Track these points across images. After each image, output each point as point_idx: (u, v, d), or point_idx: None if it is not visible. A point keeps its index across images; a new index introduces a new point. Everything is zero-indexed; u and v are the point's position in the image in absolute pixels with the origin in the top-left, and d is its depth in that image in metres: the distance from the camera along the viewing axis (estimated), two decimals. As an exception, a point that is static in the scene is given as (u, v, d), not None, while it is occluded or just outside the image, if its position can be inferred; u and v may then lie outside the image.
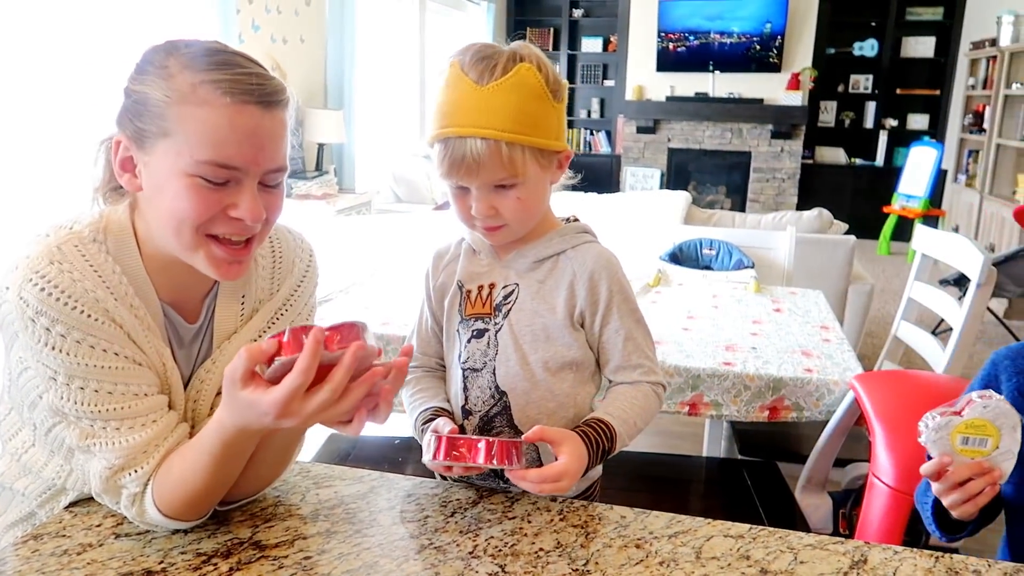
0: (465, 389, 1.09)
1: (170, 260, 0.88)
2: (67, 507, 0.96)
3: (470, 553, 0.89)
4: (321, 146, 4.45)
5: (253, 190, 0.83)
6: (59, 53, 2.51)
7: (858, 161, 7.40)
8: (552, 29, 8.02)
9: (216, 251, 0.85)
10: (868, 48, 7.30)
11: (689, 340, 2.14)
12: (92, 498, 0.94)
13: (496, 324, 1.07)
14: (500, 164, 0.94)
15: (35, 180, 2.39)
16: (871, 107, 7.38)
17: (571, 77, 8.05)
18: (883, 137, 7.29)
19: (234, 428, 0.81)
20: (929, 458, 0.98)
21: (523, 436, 0.94)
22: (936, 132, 7.17)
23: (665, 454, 2.57)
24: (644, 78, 7.38)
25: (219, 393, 0.95)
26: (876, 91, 7.33)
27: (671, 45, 7.18)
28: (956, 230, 5.98)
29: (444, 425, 1.03)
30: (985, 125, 5.85)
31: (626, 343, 1.07)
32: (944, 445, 0.96)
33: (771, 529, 0.96)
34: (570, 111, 8.09)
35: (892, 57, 7.24)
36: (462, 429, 1.09)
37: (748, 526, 0.96)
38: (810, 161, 7.37)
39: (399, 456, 1.76)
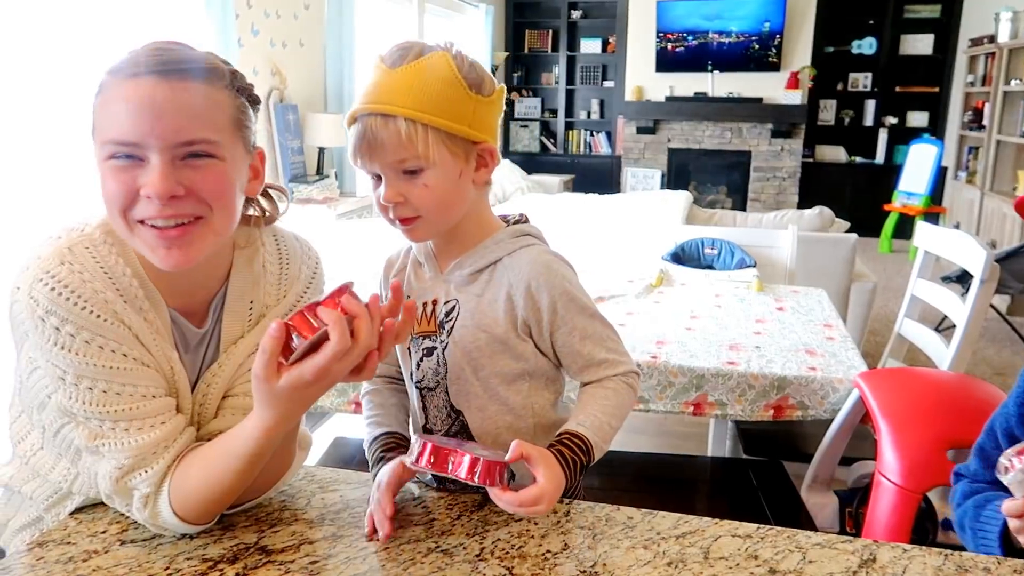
0: (424, 408, 1.06)
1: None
2: (72, 513, 0.96)
3: (477, 556, 0.89)
4: (322, 150, 4.45)
5: (159, 165, 0.79)
6: (65, 57, 2.52)
7: (858, 159, 7.40)
8: (551, 31, 8.02)
9: (147, 235, 0.82)
10: (867, 46, 7.30)
11: (692, 340, 2.14)
12: (98, 504, 0.94)
13: (442, 342, 1.02)
14: (399, 141, 0.89)
15: (45, 181, 2.40)
16: (871, 105, 7.38)
17: (571, 78, 8.05)
18: (883, 135, 7.29)
19: (275, 422, 0.82)
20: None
21: (507, 457, 0.89)
22: (936, 129, 7.17)
23: (669, 454, 2.56)
24: (643, 79, 7.38)
25: (226, 397, 0.95)
26: (875, 89, 7.33)
27: (670, 45, 7.18)
28: (957, 227, 5.98)
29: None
30: (985, 122, 5.85)
31: (583, 343, 1.02)
32: None
33: (779, 528, 0.95)
34: (570, 112, 8.10)
35: (891, 55, 7.25)
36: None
37: (756, 526, 0.95)
38: (810, 160, 7.37)
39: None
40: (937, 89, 7.19)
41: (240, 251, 0.96)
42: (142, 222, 0.82)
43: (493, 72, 7.50)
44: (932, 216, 6.33)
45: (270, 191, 1.01)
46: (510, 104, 8.24)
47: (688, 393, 1.96)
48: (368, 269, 1.26)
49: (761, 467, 1.99)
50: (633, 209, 3.73)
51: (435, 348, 1.03)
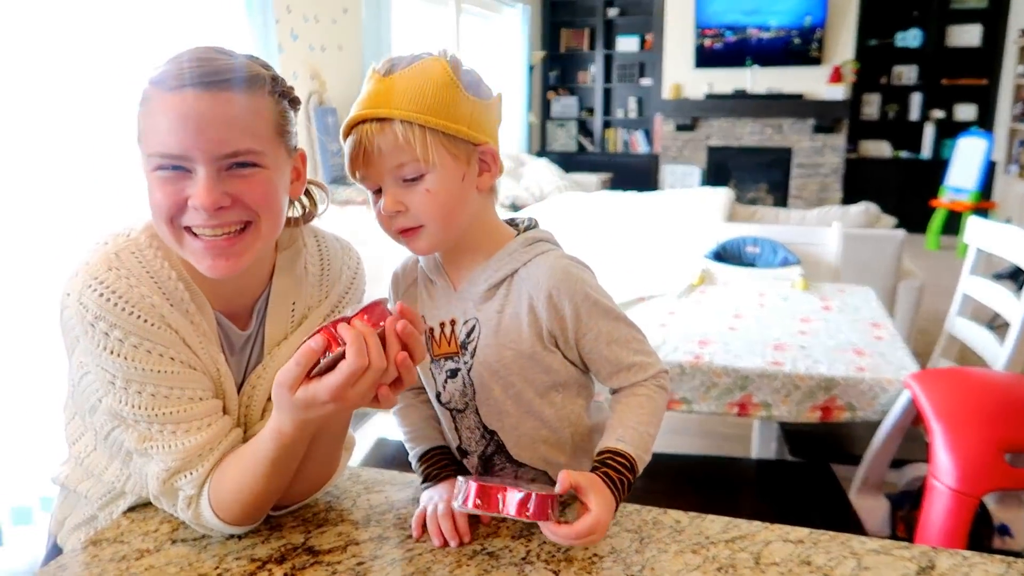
0: (456, 429, 1.04)
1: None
2: (125, 512, 0.97)
3: (523, 559, 0.88)
4: (360, 152, 4.49)
5: (205, 177, 0.80)
6: (107, 62, 2.58)
7: (903, 154, 7.23)
8: (588, 29, 7.99)
9: (195, 245, 0.84)
10: (912, 38, 7.12)
11: (736, 340, 2.10)
12: (149, 504, 0.96)
13: (466, 363, 0.99)
14: (396, 144, 0.87)
15: (88, 184, 2.46)
16: (916, 98, 7.20)
17: (607, 77, 8.01)
18: (929, 129, 7.11)
19: (292, 429, 0.81)
20: None
21: (556, 489, 0.86)
22: (985, 122, 6.96)
23: (713, 456, 2.53)
24: (681, 76, 7.30)
25: (270, 398, 0.96)
26: (921, 82, 7.14)
27: (708, 41, 7.09)
28: (1009, 223, 5.80)
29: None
30: (1038, 113, 5.66)
31: (611, 347, 0.98)
32: None
33: (832, 533, 0.93)
34: (607, 111, 8.05)
35: (937, 47, 7.05)
36: (461, 467, 1.06)
37: (808, 530, 0.93)
38: (854, 155, 7.22)
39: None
40: (986, 81, 6.99)
41: (283, 253, 0.97)
42: (189, 230, 0.84)
43: (530, 72, 7.50)
44: (982, 212, 6.15)
45: (310, 188, 1.01)
46: (547, 104, 8.23)
47: (732, 394, 1.93)
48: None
49: (808, 470, 1.95)
50: (673, 207, 3.69)
51: (459, 369, 0.99)
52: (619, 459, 0.92)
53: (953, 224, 6.30)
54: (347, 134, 0.91)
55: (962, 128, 6.80)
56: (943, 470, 1.51)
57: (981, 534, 1.60)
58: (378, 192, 0.92)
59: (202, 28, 3.08)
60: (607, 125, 8.13)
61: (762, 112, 7.06)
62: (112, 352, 0.83)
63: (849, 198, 6.86)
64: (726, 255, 3.07)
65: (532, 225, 1.02)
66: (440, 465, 1.03)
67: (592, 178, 6.91)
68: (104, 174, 2.44)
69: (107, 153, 2.46)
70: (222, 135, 0.80)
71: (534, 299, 0.95)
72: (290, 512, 0.97)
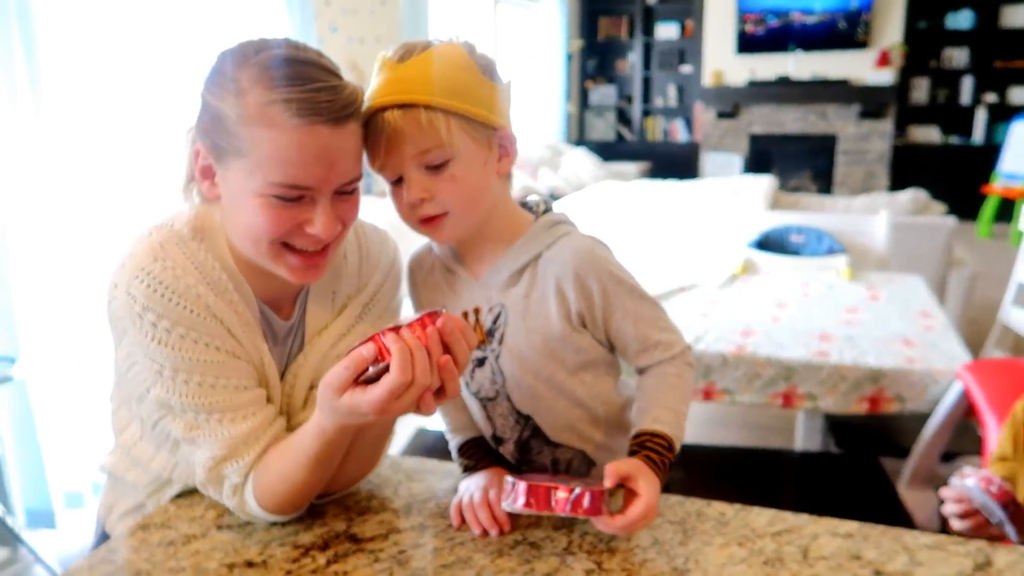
0: (488, 418, 1.02)
1: (257, 261, 0.90)
2: (173, 499, 0.99)
3: (565, 549, 0.87)
4: (399, 144, 4.51)
5: (327, 206, 0.83)
6: (145, 51, 2.61)
7: (954, 139, 7.01)
8: (626, 17, 7.90)
9: (292, 260, 0.86)
10: (963, 20, 6.88)
11: (780, 330, 2.07)
12: (195, 490, 0.97)
13: (494, 351, 0.98)
14: (420, 130, 0.85)
15: (128, 173, 2.50)
16: (967, 82, 6.97)
17: (647, 64, 7.91)
18: (981, 113, 6.88)
19: (334, 429, 0.82)
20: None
21: (606, 483, 0.85)
22: (1041, 105, 6.71)
23: (756, 448, 2.49)
24: (722, 62, 7.18)
25: (312, 387, 0.97)
26: (973, 65, 6.91)
27: (750, 26, 6.96)
28: (1066, 209, 5.59)
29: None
30: (1098, 95, 5.44)
31: (637, 326, 0.97)
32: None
33: (883, 528, 0.90)
34: (646, 99, 7.96)
35: (989, 28, 6.81)
36: (499, 452, 1.05)
37: (858, 524, 0.91)
38: (901, 142, 7.03)
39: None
40: (1043, 62, 6.73)
41: None
42: (288, 246, 0.85)
43: (567, 61, 7.46)
44: (1037, 198, 5.94)
45: None
46: (584, 93, 8.17)
47: (776, 385, 1.90)
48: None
49: (854, 462, 1.91)
50: (714, 196, 3.63)
51: (486, 358, 0.99)
52: (658, 440, 0.93)
53: (1006, 212, 6.09)
54: (365, 123, 0.88)
55: (1016, 112, 6.55)
56: (998, 464, 1.46)
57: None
58: (397, 182, 0.90)
59: (243, 22, 3.12)
60: (646, 114, 8.04)
61: (806, 98, 6.91)
62: (160, 342, 0.84)
63: (896, 185, 6.68)
64: (769, 244, 3.01)
65: (548, 208, 1.02)
66: (478, 456, 1.03)
67: (631, 167, 6.85)
68: (145, 165, 2.49)
69: (150, 144, 2.51)
70: (346, 167, 0.83)
71: (561, 281, 0.95)
72: (333, 500, 0.98)
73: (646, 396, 0.98)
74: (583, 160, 6.18)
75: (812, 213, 3.29)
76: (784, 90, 6.94)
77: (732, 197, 3.51)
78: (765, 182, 3.61)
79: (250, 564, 0.85)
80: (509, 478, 0.86)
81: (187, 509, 0.97)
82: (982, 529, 1.12)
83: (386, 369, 0.74)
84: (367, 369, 0.76)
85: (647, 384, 1.00)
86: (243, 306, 0.90)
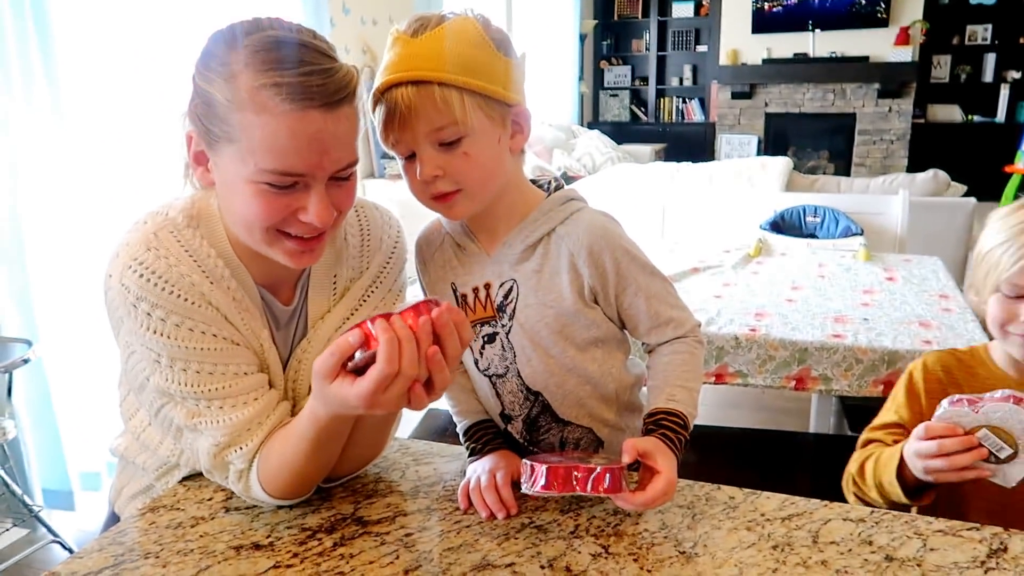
0: (497, 395, 1.02)
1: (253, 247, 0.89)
2: (181, 481, 0.99)
3: (572, 533, 0.87)
4: (411, 126, 4.49)
5: (321, 192, 0.81)
6: (158, 35, 2.60)
7: (976, 118, 6.89)
8: (641, -4, 7.80)
9: (288, 245, 0.84)
10: (986, -5, 6.74)
11: (794, 312, 2.04)
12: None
13: (504, 326, 0.98)
14: (435, 107, 0.84)
15: (140, 160, 2.51)
16: (990, 59, 6.83)
17: (662, 44, 7.82)
18: (1004, 91, 6.74)
19: (327, 417, 0.81)
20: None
21: (624, 460, 0.86)
22: (1066, 82, 6.58)
23: (769, 430, 2.47)
24: (739, 41, 7.08)
25: None
26: (996, 41, 6.77)
27: (767, 4, 6.85)
28: (1090, 189, 5.49)
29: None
30: (1125, 72, 5.31)
31: (649, 303, 0.98)
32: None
33: (896, 513, 0.89)
34: (661, 79, 7.88)
35: (1013, 3, 6.66)
36: (506, 435, 1.04)
37: (870, 509, 0.90)
38: (922, 120, 6.92)
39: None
40: (1067, 38, 6.59)
41: None
42: (283, 232, 0.84)
43: (581, 41, 7.38)
44: (1060, 177, 5.83)
45: None
46: (599, 73, 8.10)
47: (790, 367, 1.88)
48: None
49: (869, 445, 1.89)
50: (729, 177, 3.59)
51: (496, 333, 0.99)
52: (673, 418, 0.93)
53: (1029, 191, 5.99)
54: (377, 100, 0.88)
55: (1040, 89, 6.43)
56: (1015, 448, 1.44)
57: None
58: (410, 158, 0.90)
59: (254, 3, 3.10)
60: (661, 94, 7.96)
61: (824, 77, 6.80)
62: (155, 332, 0.84)
63: (916, 165, 6.58)
64: (784, 225, 2.98)
65: (560, 185, 1.01)
66: (485, 439, 1.02)
67: (645, 149, 6.79)
68: (156, 152, 2.48)
69: (161, 131, 2.50)
70: (341, 153, 0.81)
71: (575, 255, 0.95)
72: (340, 483, 0.98)
73: (659, 374, 0.99)
74: (597, 142, 6.13)
75: (828, 194, 3.25)
76: (801, 69, 6.84)
77: (747, 178, 3.47)
78: (780, 163, 3.57)
79: (257, 546, 0.85)
80: (527, 461, 0.86)
81: (196, 491, 0.97)
82: (967, 471, 0.94)
83: (373, 358, 0.72)
84: (354, 356, 0.74)
85: (659, 362, 1.00)
86: (241, 292, 0.90)
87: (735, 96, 7.17)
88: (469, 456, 1.02)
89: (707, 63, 7.58)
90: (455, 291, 1.01)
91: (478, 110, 0.86)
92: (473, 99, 0.86)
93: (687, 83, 7.82)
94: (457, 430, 1.06)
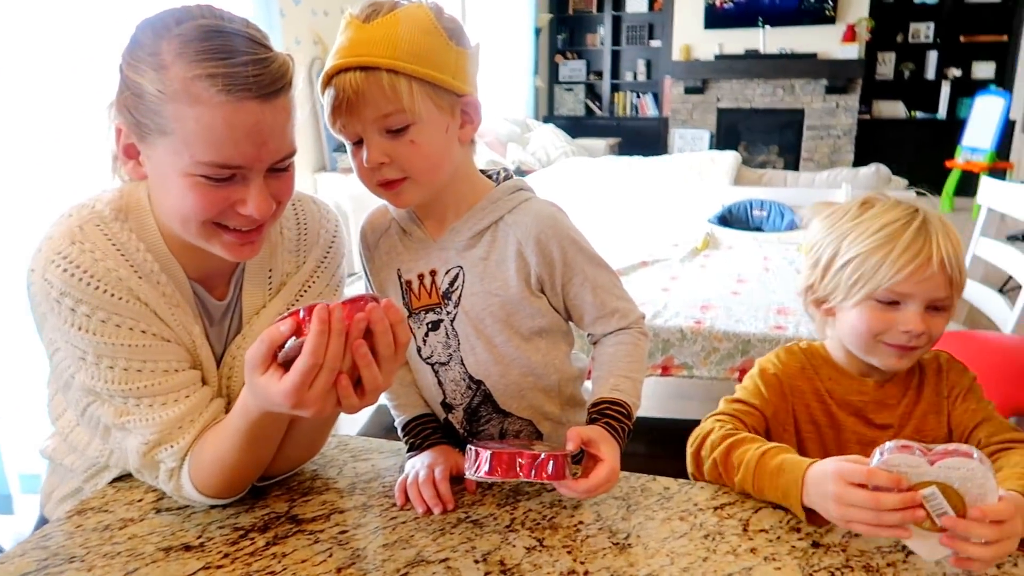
0: (439, 384, 1.02)
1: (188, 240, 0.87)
2: (111, 482, 0.97)
3: (507, 527, 0.87)
4: (364, 119, 4.44)
5: (259, 184, 0.80)
6: (79, 22, 2.51)
7: (919, 114, 7.08)
8: (595, -10, 7.83)
9: (227, 238, 0.83)
10: (929, -6, 6.93)
11: (738, 304, 2.08)
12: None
13: (449, 313, 0.98)
14: (383, 94, 0.84)
15: (48, 153, 2.42)
16: (932, 57, 7.02)
17: (616, 39, 7.87)
18: (945, 88, 6.94)
19: (257, 411, 0.80)
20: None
21: (568, 447, 0.87)
22: (1003, 80, 6.79)
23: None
24: (691, 36, 7.15)
25: None
26: (938, 40, 6.97)
27: (718, 1, 6.93)
28: (1025, 183, 5.69)
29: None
30: (1057, 70, 5.51)
31: (595, 293, 0.99)
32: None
33: (823, 500, 0.91)
34: (616, 74, 7.93)
35: (955, 2, 6.86)
36: (446, 425, 1.05)
37: (799, 497, 0.91)
38: (867, 116, 7.08)
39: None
40: (1006, 37, 6.79)
41: None
42: (220, 225, 0.82)
43: (536, 35, 7.38)
44: (998, 172, 6.03)
45: None
46: (554, 67, 8.11)
47: (733, 358, 1.91)
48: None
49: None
50: (679, 171, 3.64)
51: (441, 321, 0.99)
52: (617, 408, 0.95)
53: (969, 185, 6.18)
54: (326, 84, 0.88)
55: (980, 86, 6.63)
56: (946, 434, 1.48)
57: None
58: (359, 143, 0.89)
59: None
60: (616, 89, 8.01)
61: (773, 73, 6.91)
62: (80, 328, 0.81)
63: (862, 160, 6.73)
64: (732, 219, 3.03)
65: (509, 176, 1.02)
66: (424, 434, 1.02)
67: (600, 143, 6.83)
68: (70, 144, 2.40)
69: (75, 122, 2.41)
70: (278, 144, 0.80)
71: (522, 244, 0.96)
72: (275, 482, 0.97)
73: (604, 364, 1.00)
74: (551, 136, 6.14)
75: (775, 188, 3.31)
76: (752, 65, 6.95)
77: (696, 172, 3.52)
78: (729, 157, 3.62)
79: (187, 547, 0.84)
80: (471, 446, 0.86)
81: (125, 492, 0.95)
82: (886, 530, 0.77)
83: (302, 348, 0.71)
84: (284, 345, 0.73)
85: (604, 353, 1.02)
86: (171, 287, 0.88)
87: (688, 91, 7.25)
88: (408, 452, 1.02)
89: (660, 58, 7.64)
90: (400, 277, 1.01)
91: (426, 98, 0.86)
92: (422, 87, 0.86)
93: (641, 78, 7.88)
94: (396, 425, 1.06)
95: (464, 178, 0.97)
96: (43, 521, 1.05)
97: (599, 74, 8.02)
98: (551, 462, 0.83)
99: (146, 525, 0.88)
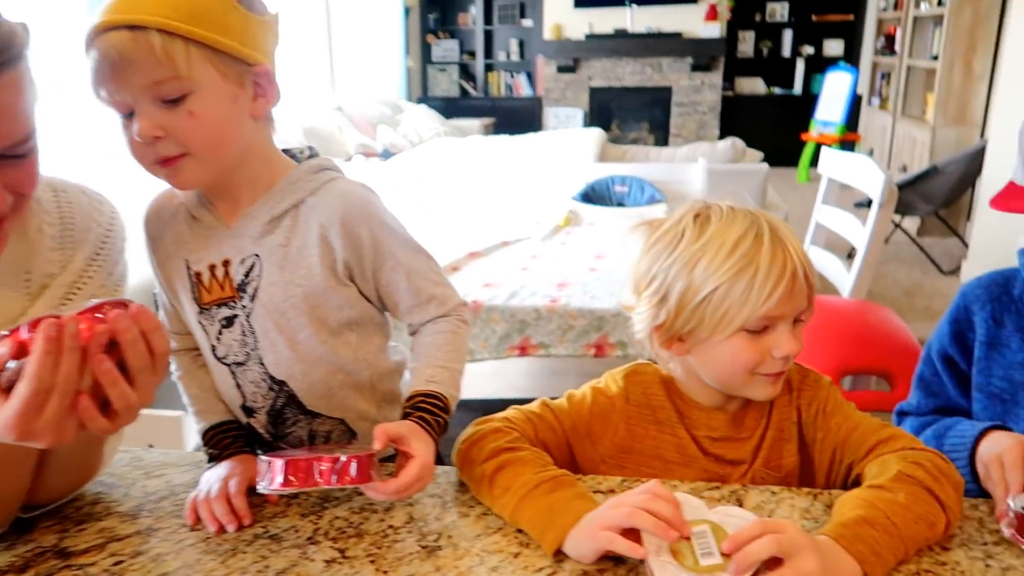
0: (238, 386, 0.93)
1: None
2: None
3: (309, 539, 0.79)
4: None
5: (140, 112, 0.73)
6: None
7: (777, 90, 7.41)
8: (464, -32, 7.72)
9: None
10: (783, -26, 7.23)
11: (595, 281, 2.07)
12: None
13: (245, 307, 0.89)
14: (154, 58, 0.74)
15: None
16: (788, 35, 7.36)
17: (488, 18, 7.80)
18: (800, 65, 7.30)
19: None
20: None
21: (375, 446, 0.79)
22: (851, 57, 7.20)
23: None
24: (561, 16, 7.19)
25: None
26: (792, 19, 7.30)
27: (586, -21, 6.99)
28: (871, 154, 6.06)
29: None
30: (896, 47, 5.88)
31: (410, 279, 0.92)
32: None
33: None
34: (489, 54, 7.87)
35: (807, -18, 7.21)
36: (250, 430, 0.96)
37: (619, 479, 0.89)
38: (730, 93, 7.35)
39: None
40: (852, 16, 7.20)
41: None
42: None
43: (406, 14, 7.21)
44: (848, 144, 6.40)
45: None
46: (426, 48, 7.97)
47: (588, 335, 1.90)
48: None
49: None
50: (545, 149, 3.62)
51: (236, 316, 0.90)
52: (432, 401, 0.88)
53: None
54: (90, 43, 0.76)
55: (830, 63, 7.00)
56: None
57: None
58: (129, 116, 0.78)
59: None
60: (489, 68, 7.96)
61: (642, 51, 7.06)
62: None
63: (726, 135, 7.00)
64: (595, 195, 3.04)
65: (314, 154, 0.93)
66: (224, 443, 0.93)
67: (474, 123, 6.76)
68: None
69: None
70: (7, 126, 0.67)
71: (326, 228, 0.88)
72: (45, 512, 0.85)
73: (421, 356, 0.93)
74: (424, 117, 6.02)
75: (638, 164, 3.35)
76: (621, 43, 7.06)
77: (562, 150, 3.51)
78: (594, 134, 3.64)
79: (-77, 599, 0.72)
80: (263, 456, 0.77)
81: None
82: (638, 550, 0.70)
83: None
84: (5, 367, 0.62)
85: (421, 343, 0.95)
86: None
87: (560, 70, 7.30)
88: (208, 463, 0.92)
89: (533, 37, 7.65)
90: (188, 269, 0.90)
91: (207, 64, 0.77)
92: (201, 51, 0.76)
93: (514, 57, 7.86)
94: (197, 432, 0.96)
95: (259, 157, 0.88)
96: None
97: (472, 54, 7.94)
98: (354, 464, 0.76)
99: None
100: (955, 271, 3.99)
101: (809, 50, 7.32)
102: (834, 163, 2.37)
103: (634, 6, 6.96)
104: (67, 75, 1.81)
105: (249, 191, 0.89)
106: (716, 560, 0.68)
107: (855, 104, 6.54)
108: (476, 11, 7.79)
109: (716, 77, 7.04)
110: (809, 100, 7.02)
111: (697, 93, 7.10)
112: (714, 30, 6.84)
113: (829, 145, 6.26)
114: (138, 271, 0.94)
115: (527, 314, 1.90)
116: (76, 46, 0.79)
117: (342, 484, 0.76)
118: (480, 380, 2.66)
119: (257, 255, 0.88)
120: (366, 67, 6.46)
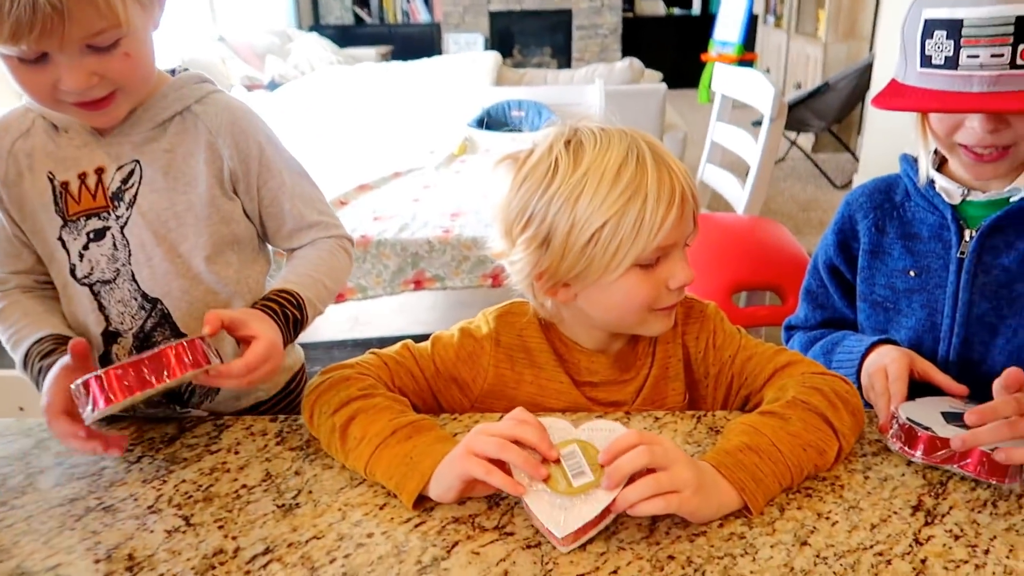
0: (101, 308, 0.85)
1: None
2: None
3: (149, 508, 0.71)
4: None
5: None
6: None
7: (676, 11, 7.36)
8: None
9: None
10: None
11: (490, 209, 2.00)
12: None
13: (119, 218, 0.83)
14: (95, 10, 0.69)
15: None
16: (684, -46, 7.28)
17: (378, -62, 7.38)
18: (698, -15, 7.25)
19: None
20: None
21: (205, 331, 0.73)
22: (747, -25, 7.19)
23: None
24: (455, -66, 6.87)
25: None
26: (689, -64, 7.21)
27: None
28: (767, 72, 6.13)
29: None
30: (790, -37, 5.89)
31: (293, 202, 0.90)
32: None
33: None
34: (381, -23, 7.47)
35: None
36: (103, 362, 0.86)
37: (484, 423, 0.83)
38: (631, 15, 7.25)
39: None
40: (747, -67, 7.16)
41: None
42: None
43: (288, -66, 6.74)
44: (746, 63, 6.44)
45: None
46: (315, -29, 7.49)
47: (484, 265, 1.84)
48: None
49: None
50: (439, 75, 3.47)
51: (108, 228, 0.83)
52: (285, 295, 0.84)
53: (722, 77, 6.55)
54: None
55: (727, -18, 6.98)
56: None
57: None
58: (37, 60, 0.70)
59: None
60: (384, -7, 7.57)
61: (540, -28, 6.85)
62: None
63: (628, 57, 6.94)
64: (491, 122, 2.93)
65: (186, 69, 0.89)
66: (47, 353, 0.80)
67: (370, 52, 6.44)
68: None
69: None
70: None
71: (214, 133, 0.86)
72: None
73: (287, 267, 0.91)
74: (316, 46, 5.69)
75: (535, 87, 3.25)
76: (518, -36, 6.82)
77: (457, 76, 3.37)
78: (490, 58, 3.50)
79: None
80: (76, 383, 0.69)
81: None
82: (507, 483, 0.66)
83: None
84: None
85: (292, 259, 0.93)
86: None
87: (457, -7, 7.01)
88: (40, 388, 0.78)
89: (427, -41, 7.30)
90: (52, 180, 0.82)
91: (135, 3, 0.73)
92: None
93: (409, -19, 7.50)
94: (23, 352, 0.82)
95: None
96: None
97: (364, -22, 7.53)
98: (188, 349, 0.70)
99: None
100: (847, 185, 4.10)
101: (706, -31, 7.27)
102: (727, 80, 2.34)
103: (530, -76, 6.70)
104: None
105: None
106: (589, 478, 0.65)
107: (752, 23, 6.56)
108: (365, -69, 7.35)
109: (616, -1, 6.91)
110: (708, 20, 7.00)
111: (598, 15, 6.96)
112: (612, -51, 6.68)
113: (729, 64, 6.30)
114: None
115: (419, 246, 1.82)
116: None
117: (181, 374, 0.69)
118: (385, 318, 2.57)
119: (137, 161, 0.83)
120: (250, -7, 6.03)
